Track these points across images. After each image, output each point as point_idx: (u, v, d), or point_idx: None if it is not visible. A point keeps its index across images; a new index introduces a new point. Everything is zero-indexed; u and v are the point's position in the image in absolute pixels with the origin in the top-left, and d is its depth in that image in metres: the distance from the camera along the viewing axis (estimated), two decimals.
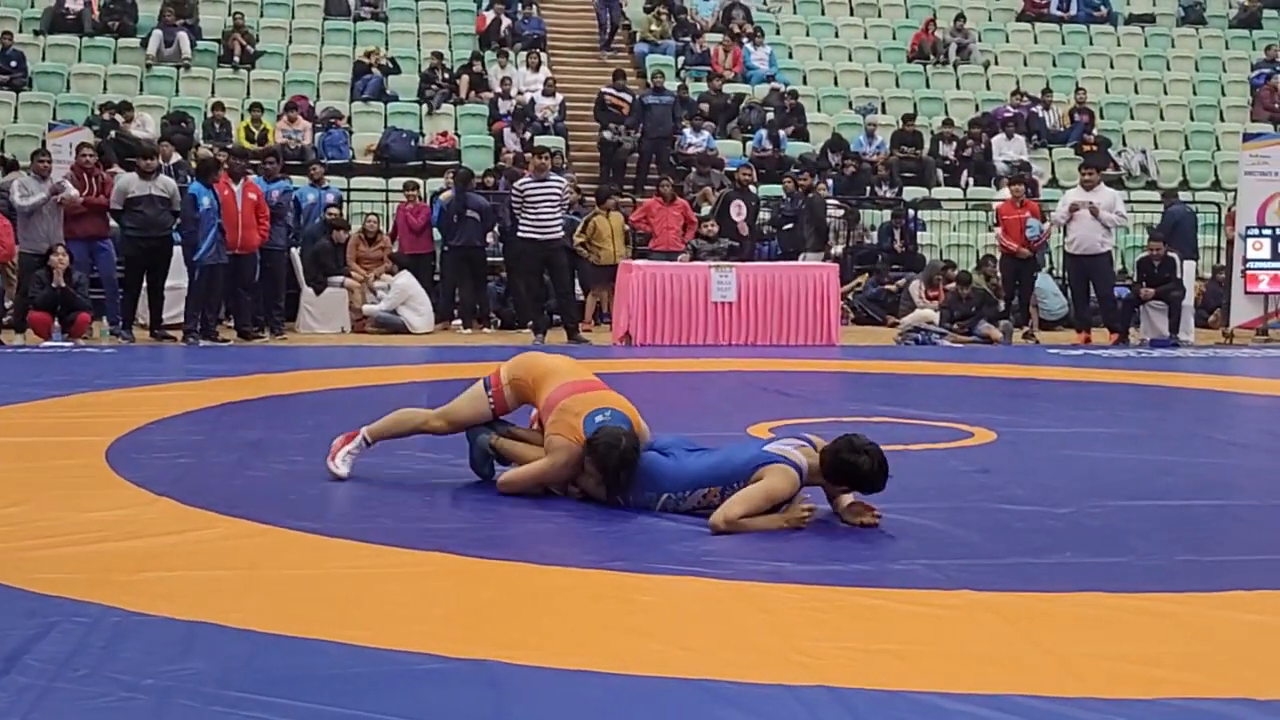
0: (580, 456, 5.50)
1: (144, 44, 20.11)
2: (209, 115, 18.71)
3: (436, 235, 15.70)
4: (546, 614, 4.10)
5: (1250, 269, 15.07)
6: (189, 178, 15.93)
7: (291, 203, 15.09)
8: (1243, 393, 10.70)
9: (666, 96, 18.94)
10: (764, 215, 16.96)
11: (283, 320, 14.41)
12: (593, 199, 16.09)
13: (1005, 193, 16.27)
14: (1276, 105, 21.56)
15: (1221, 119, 22.16)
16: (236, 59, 20.30)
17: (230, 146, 16.70)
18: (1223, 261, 17.01)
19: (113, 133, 17.27)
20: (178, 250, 13.46)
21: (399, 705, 3.24)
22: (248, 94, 19.89)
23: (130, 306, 13.65)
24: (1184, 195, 18.74)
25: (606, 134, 19.14)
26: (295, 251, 15.10)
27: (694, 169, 18.03)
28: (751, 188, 16.83)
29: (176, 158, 15.91)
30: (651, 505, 5.39)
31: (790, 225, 15.84)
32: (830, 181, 18.13)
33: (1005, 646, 3.79)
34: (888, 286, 16.74)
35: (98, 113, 18.29)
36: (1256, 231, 15.14)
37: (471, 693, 3.34)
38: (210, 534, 5.05)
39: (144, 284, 13.47)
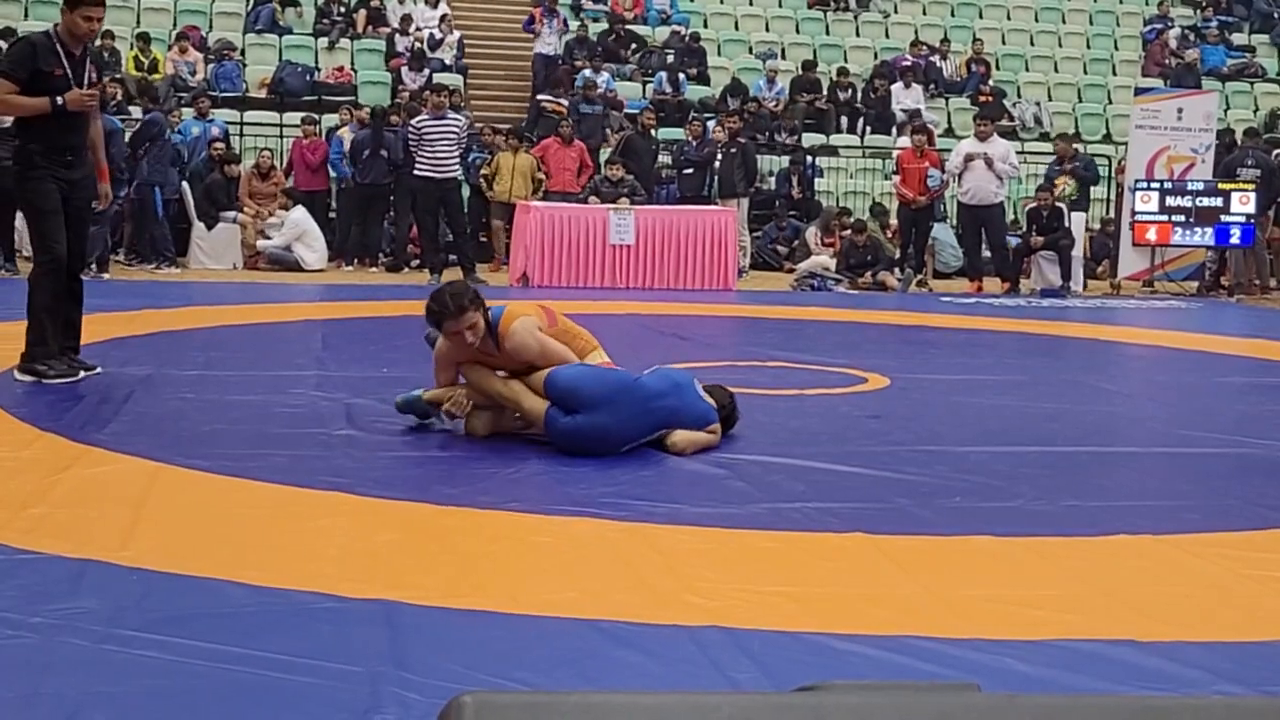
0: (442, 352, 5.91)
1: None
2: (96, 44, 18.16)
3: (332, 172, 15.49)
4: (444, 554, 4.09)
5: (1138, 221, 15.35)
6: None
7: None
8: (1128, 342, 10.94)
9: (597, 105, 18.26)
10: (664, 159, 16.92)
11: (171, 254, 14.16)
12: (499, 135, 15.90)
13: (905, 141, 16.36)
14: (1167, 60, 21.92)
15: (1114, 73, 22.49)
16: None
17: (120, 77, 16.25)
18: (1112, 214, 17.31)
19: None
20: None
21: (294, 645, 3.21)
22: (137, 23, 19.38)
23: (9, 237, 13.29)
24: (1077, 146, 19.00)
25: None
26: (185, 186, 14.81)
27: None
28: (652, 131, 16.76)
29: None
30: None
31: (691, 170, 15.81)
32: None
33: (895, 588, 3.86)
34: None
35: None
36: (1145, 185, 15.41)
37: (368, 632, 3.33)
38: (99, 471, 4.96)
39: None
